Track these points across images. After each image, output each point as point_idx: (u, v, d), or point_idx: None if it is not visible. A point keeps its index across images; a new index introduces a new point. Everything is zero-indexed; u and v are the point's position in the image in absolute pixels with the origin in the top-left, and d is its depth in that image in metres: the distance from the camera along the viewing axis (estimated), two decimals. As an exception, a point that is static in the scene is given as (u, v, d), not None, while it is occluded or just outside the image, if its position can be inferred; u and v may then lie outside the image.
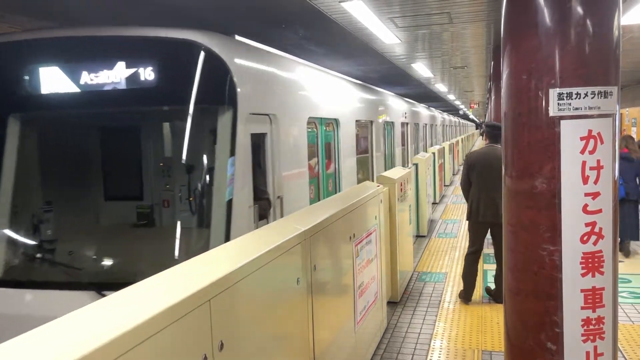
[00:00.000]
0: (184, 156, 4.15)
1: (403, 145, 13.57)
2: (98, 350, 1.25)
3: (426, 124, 18.93)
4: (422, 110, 18.67)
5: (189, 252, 3.77)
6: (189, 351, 1.63)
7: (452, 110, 42.13)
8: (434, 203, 12.31)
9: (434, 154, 12.12)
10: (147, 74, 3.89)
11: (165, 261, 3.50)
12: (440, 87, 18.95)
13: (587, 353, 2.64)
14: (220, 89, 3.99)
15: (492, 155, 5.66)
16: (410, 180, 6.98)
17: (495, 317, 5.23)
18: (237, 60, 4.19)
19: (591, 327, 2.63)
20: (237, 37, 4.72)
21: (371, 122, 9.65)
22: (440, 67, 12.65)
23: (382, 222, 4.93)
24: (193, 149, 4.01)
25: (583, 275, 2.60)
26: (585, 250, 2.59)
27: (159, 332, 1.47)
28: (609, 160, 2.57)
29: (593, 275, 2.60)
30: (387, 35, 7.66)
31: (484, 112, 36.46)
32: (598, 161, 2.55)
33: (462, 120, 49.17)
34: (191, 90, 3.85)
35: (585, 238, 2.59)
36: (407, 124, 14.13)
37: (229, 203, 3.87)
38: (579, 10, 2.53)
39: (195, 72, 3.87)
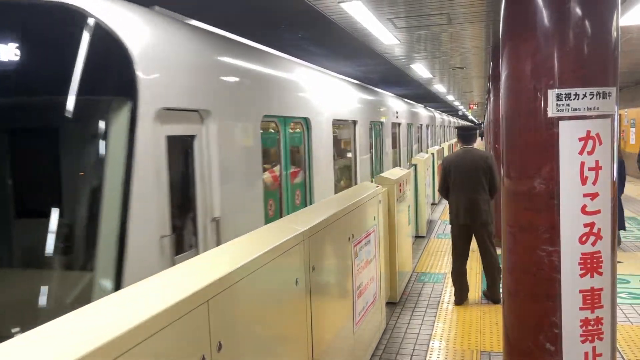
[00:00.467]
0: (58, 170, 3.12)
1: (395, 147, 12.58)
2: (96, 351, 1.25)
3: (422, 125, 17.98)
4: (418, 109, 17.70)
5: (60, 306, 2.83)
6: (187, 352, 1.63)
7: (452, 110, 42.14)
8: (433, 204, 12.32)
9: (433, 154, 12.12)
10: (7, 52, 2.87)
11: (24, 317, 2.76)
12: (440, 88, 18.95)
13: (586, 354, 2.64)
14: (110, 73, 2.99)
15: (466, 157, 5.68)
16: (409, 180, 6.98)
17: (494, 318, 5.23)
18: (141, 36, 3.19)
19: (590, 327, 2.63)
20: (159, 9, 3.75)
21: (354, 122, 8.54)
22: (440, 68, 12.64)
23: (381, 222, 4.92)
24: (72, 159, 3.08)
25: (582, 276, 2.60)
26: (583, 251, 2.59)
27: (157, 333, 1.47)
28: (608, 161, 2.57)
29: (592, 276, 2.61)
30: (386, 36, 7.65)
31: (483, 113, 36.50)
32: (597, 162, 2.55)
33: (461, 121, 49.20)
34: (68, 75, 2.81)
35: (583, 239, 2.59)
36: (399, 124, 13.04)
37: (122, 234, 2.84)
38: (578, 11, 2.53)
39: (72, 50, 2.84)
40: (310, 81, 6.44)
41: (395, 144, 12.67)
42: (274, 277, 2.36)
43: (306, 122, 6.17)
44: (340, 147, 8.36)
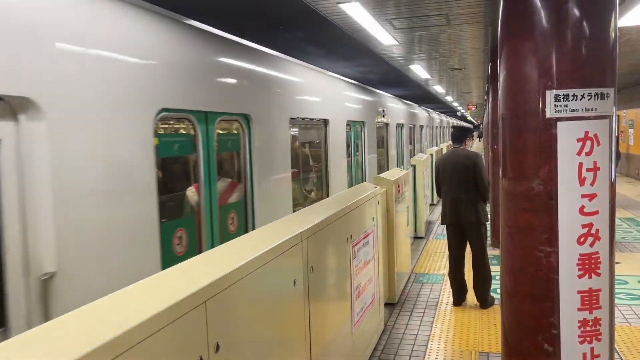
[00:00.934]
0: None
1: (382, 151, 11.39)
2: (93, 352, 1.24)
3: (415, 125, 16.71)
4: (410, 108, 16.39)
5: None
6: (184, 353, 1.63)
7: (451, 111, 42.19)
8: (431, 204, 12.32)
9: (431, 155, 12.13)
10: None
11: None
12: (438, 89, 18.96)
13: (584, 355, 2.64)
14: None
15: (453, 156, 5.70)
16: (407, 181, 6.98)
17: (492, 319, 5.23)
18: None
19: (588, 328, 2.63)
20: None
21: (325, 121, 7.12)
22: (438, 69, 12.64)
23: (380, 223, 4.92)
24: None
25: (580, 276, 2.60)
26: (581, 251, 2.59)
27: (155, 334, 1.46)
28: (606, 161, 2.57)
29: (590, 277, 2.61)
30: (384, 37, 7.65)
31: (482, 114, 36.57)
32: (595, 163, 2.55)
33: (460, 122, 49.24)
34: None
35: (582, 240, 2.59)
36: (386, 124, 11.66)
37: None
38: (576, 12, 2.54)
39: None
40: (253, 67, 4.95)
41: (382, 147, 11.39)
42: (272, 278, 2.36)
43: (246, 120, 4.71)
44: (303, 153, 7.04)
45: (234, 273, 1.94)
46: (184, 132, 4.09)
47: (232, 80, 4.56)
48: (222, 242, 3.96)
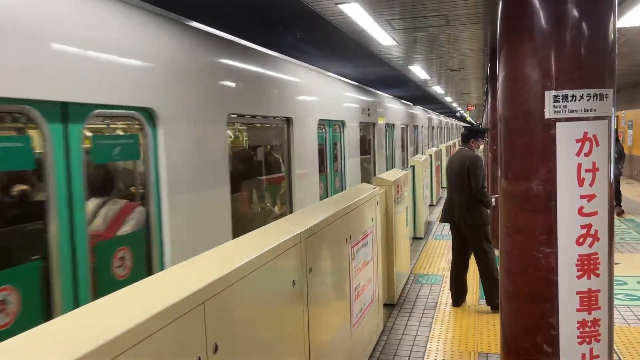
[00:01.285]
0: None
1: (368, 155, 10.16)
2: (92, 352, 1.24)
3: (408, 125, 15.43)
4: (404, 107, 15.17)
5: None
6: (183, 353, 1.63)
7: (450, 112, 42.19)
8: (430, 205, 12.32)
9: (431, 156, 12.13)
10: None
11: None
12: (438, 90, 18.95)
13: (583, 355, 2.64)
14: None
15: (456, 157, 5.73)
16: (407, 182, 6.98)
17: (491, 320, 5.23)
18: None
19: (587, 329, 2.63)
20: None
21: (288, 120, 5.82)
22: (437, 70, 12.64)
23: (379, 224, 4.92)
24: None
25: (579, 277, 2.60)
26: (580, 252, 2.59)
27: (153, 335, 1.46)
28: (605, 162, 2.57)
29: (589, 278, 2.61)
30: (383, 38, 7.65)
31: (481, 115, 36.55)
32: (594, 163, 2.55)
33: (459, 123, 49.26)
34: None
35: (580, 240, 2.59)
36: (373, 124, 10.27)
37: None
38: (575, 13, 2.54)
39: None
40: (160, 43, 3.64)
41: (367, 150, 10.09)
42: (271, 279, 2.36)
43: (149, 116, 3.43)
44: (255, 159, 5.84)
45: (232, 274, 1.94)
46: (19, 135, 2.84)
47: (122, 60, 3.15)
48: (98, 296, 2.72)
